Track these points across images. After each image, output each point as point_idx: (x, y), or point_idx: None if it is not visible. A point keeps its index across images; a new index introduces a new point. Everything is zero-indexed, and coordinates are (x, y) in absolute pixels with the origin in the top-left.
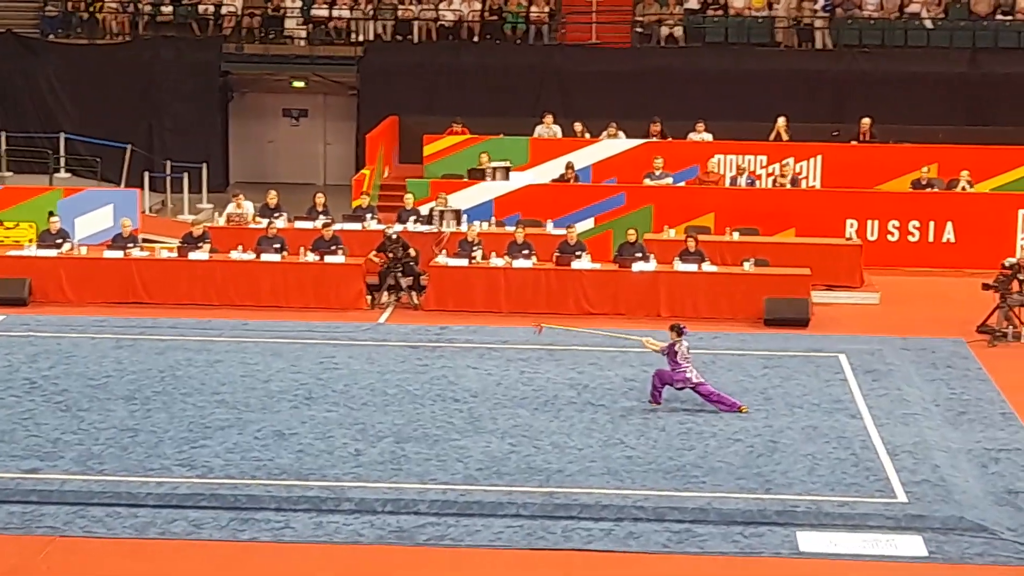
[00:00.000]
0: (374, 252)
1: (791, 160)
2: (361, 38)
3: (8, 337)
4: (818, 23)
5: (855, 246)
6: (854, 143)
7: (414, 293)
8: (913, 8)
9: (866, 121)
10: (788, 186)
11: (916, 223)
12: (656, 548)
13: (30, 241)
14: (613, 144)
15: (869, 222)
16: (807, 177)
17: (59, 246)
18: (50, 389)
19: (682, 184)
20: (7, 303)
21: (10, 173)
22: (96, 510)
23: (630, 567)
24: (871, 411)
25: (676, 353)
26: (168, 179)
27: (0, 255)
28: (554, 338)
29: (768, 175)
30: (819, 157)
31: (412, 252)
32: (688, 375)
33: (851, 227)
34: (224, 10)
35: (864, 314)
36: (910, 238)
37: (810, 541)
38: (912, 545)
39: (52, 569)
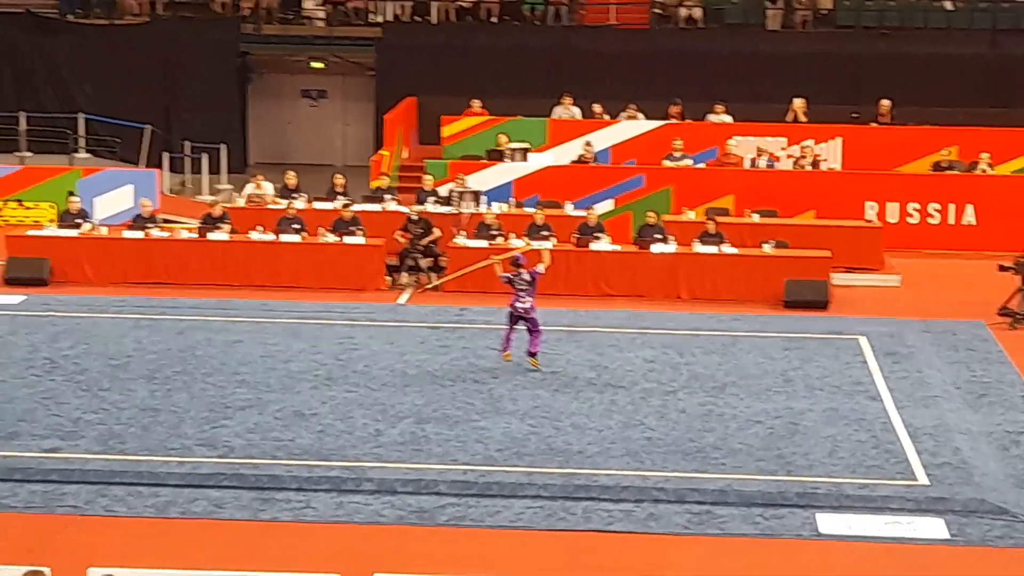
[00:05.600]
0: (399, 231)
1: (811, 142)
2: (380, 19)
3: (29, 317)
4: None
5: (875, 228)
6: (873, 125)
7: (433, 274)
8: None
9: (885, 103)
10: (808, 168)
11: (936, 205)
12: (676, 529)
13: (50, 221)
14: (632, 126)
15: (889, 204)
16: (827, 159)
17: (79, 226)
18: (71, 369)
19: (701, 166)
20: (28, 283)
21: (30, 153)
22: (117, 489)
23: (650, 548)
24: (892, 393)
25: (512, 283)
26: (187, 159)
27: (20, 235)
28: (574, 320)
29: (788, 157)
30: (839, 139)
31: (436, 232)
32: (519, 304)
33: (871, 209)
34: None
35: (884, 296)
36: (930, 220)
37: (830, 523)
38: (933, 528)
39: (74, 548)
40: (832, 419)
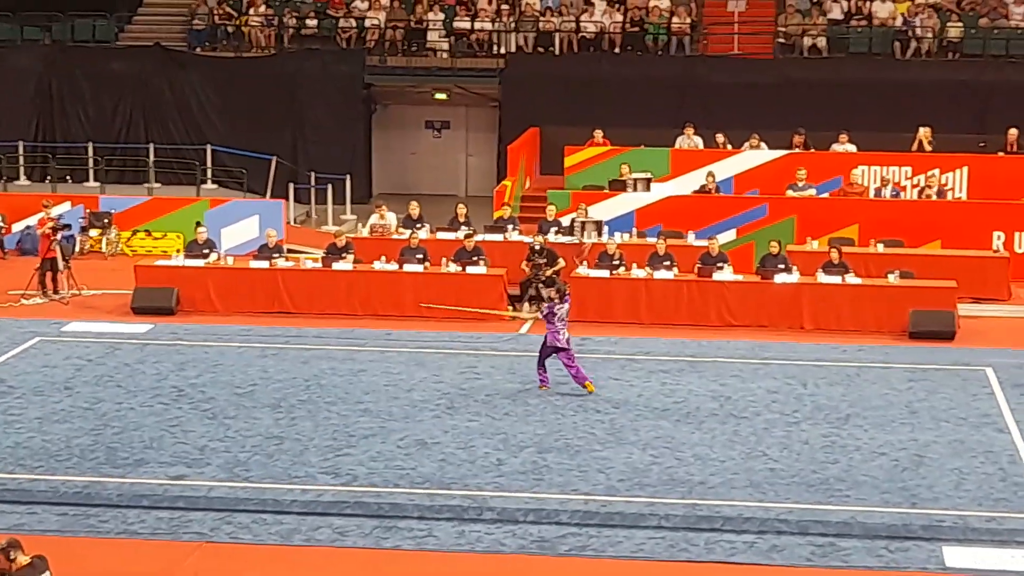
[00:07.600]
0: (525, 262)
1: (936, 171)
2: (503, 50)
3: (156, 346)
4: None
5: (1002, 258)
6: (1001, 154)
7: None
8: None
9: (1013, 132)
10: (934, 197)
11: None
12: (799, 562)
13: (178, 251)
14: (755, 155)
15: (1017, 234)
16: (953, 188)
17: (206, 256)
18: (197, 397)
19: (825, 195)
20: (155, 312)
21: (158, 184)
22: (242, 517)
23: None
24: (1019, 425)
25: (555, 315)
26: (312, 190)
27: (149, 265)
28: (697, 350)
29: (913, 186)
30: (965, 168)
31: (561, 263)
32: (560, 336)
33: (998, 239)
34: (367, 23)
35: (1012, 327)
36: None
37: (956, 556)
38: None
39: (199, 575)
40: (958, 451)
